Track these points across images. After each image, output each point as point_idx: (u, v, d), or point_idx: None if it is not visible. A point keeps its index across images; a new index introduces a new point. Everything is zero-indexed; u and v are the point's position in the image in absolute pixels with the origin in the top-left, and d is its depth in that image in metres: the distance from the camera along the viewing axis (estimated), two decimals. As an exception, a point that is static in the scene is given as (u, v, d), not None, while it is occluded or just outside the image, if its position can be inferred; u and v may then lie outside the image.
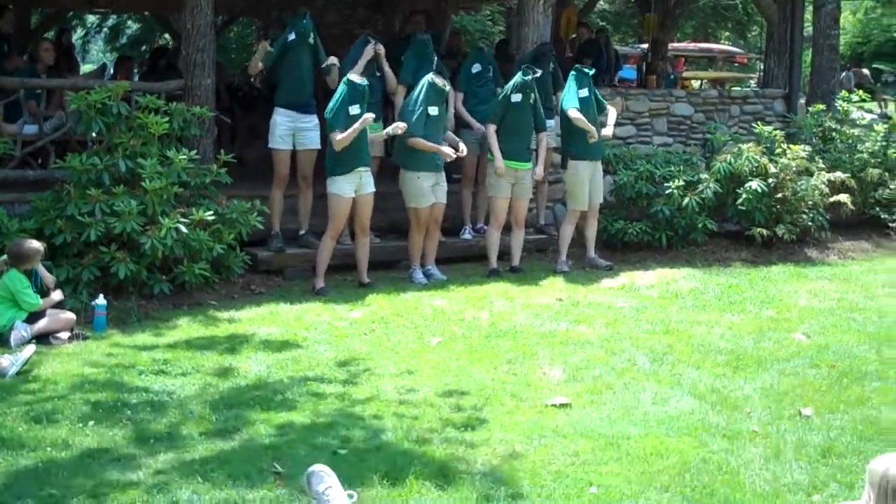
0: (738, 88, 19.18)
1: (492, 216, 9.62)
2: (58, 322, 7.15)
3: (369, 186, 8.77)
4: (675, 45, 21.36)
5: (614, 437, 5.34)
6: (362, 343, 7.17)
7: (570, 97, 9.64)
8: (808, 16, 15.71)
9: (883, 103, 25.04)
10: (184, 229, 7.93)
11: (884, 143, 11.86)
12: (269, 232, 9.16)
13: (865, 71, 31.27)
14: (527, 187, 9.62)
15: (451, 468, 4.88)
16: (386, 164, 9.91)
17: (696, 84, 25.41)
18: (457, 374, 6.48)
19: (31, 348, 6.55)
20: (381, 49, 9.58)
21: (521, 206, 9.62)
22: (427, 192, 9.02)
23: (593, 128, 9.54)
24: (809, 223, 10.57)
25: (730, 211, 10.61)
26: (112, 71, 14.35)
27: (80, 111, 8.49)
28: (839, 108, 12.73)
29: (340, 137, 8.39)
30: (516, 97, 9.39)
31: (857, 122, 12.53)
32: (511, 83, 9.47)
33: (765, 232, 10.28)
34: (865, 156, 11.51)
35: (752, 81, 28.17)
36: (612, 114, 10.08)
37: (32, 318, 7.08)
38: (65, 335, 7.10)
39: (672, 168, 10.57)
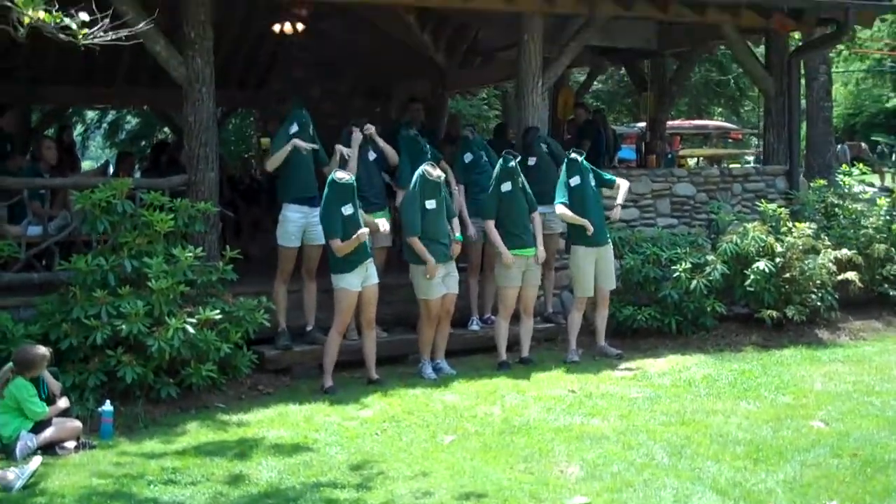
0: (738, 166, 19.27)
1: (501, 306, 9.53)
2: (64, 431, 7.02)
3: (374, 278, 8.71)
4: (670, 122, 21.48)
5: (639, 540, 5.21)
6: (374, 444, 7.04)
7: (560, 190, 9.60)
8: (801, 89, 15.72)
9: (882, 176, 25.15)
10: (191, 330, 7.85)
11: (888, 218, 11.83)
12: (274, 329, 9.08)
13: (864, 145, 31.52)
14: (536, 274, 9.55)
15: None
16: (392, 255, 9.88)
17: (692, 162, 25.54)
18: (472, 474, 6.33)
19: (37, 460, 6.41)
20: (370, 128, 9.55)
21: (530, 294, 9.54)
22: (438, 283, 8.92)
23: (585, 221, 9.46)
24: (818, 303, 10.49)
25: (738, 293, 10.53)
26: (114, 167, 14.37)
27: (84, 210, 8.45)
28: (840, 182, 12.74)
29: (341, 245, 8.35)
30: (506, 186, 9.34)
31: (860, 197, 12.49)
32: (496, 173, 9.42)
33: (774, 314, 10.20)
34: (871, 231, 11.47)
35: (748, 157, 28.38)
36: (622, 188, 9.99)
37: (38, 427, 6.95)
38: (71, 444, 6.96)
39: (678, 250, 10.53)
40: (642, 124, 22.26)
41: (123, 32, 5.85)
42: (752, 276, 10.24)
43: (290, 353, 9.09)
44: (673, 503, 5.80)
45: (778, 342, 10.21)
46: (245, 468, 6.48)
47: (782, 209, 11.21)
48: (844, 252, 10.90)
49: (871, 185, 18.30)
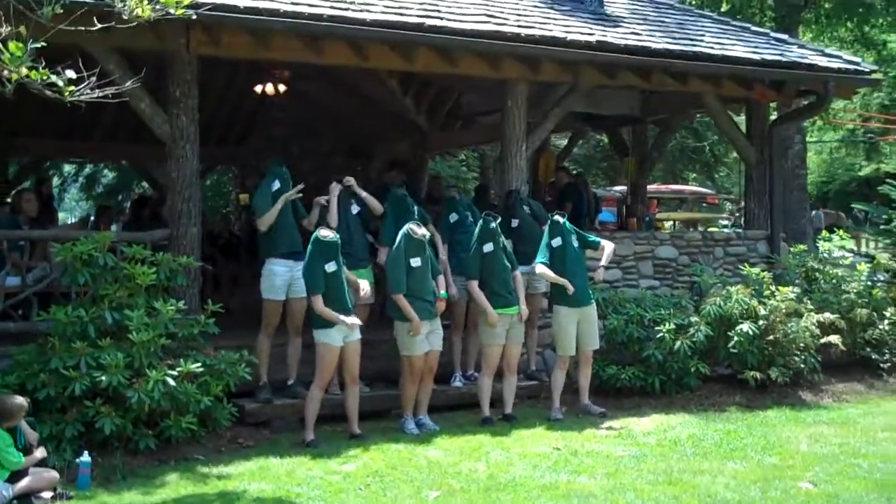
0: (717, 229, 19.41)
1: (484, 363, 9.47)
2: (41, 481, 6.86)
3: (356, 334, 8.62)
4: (648, 187, 21.63)
5: None
6: (358, 499, 6.89)
7: (542, 251, 9.66)
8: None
9: (860, 242, 25.41)
10: (172, 382, 7.72)
11: (869, 283, 11.92)
12: (256, 382, 8.96)
13: (841, 214, 31.90)
14: (520, 332, 9.52)
15: None
16: (375, 311, 9.81)
17: (668, 225, 25.73)
18: (460, 531, 6.23)
19: (13, 510, 6.28)
20: (350, 180, 9.56)
21: (513, 351, 9.50)
22: (421, 339, 8.86)
23: (565, 281, 9.46)
24: (802, 365, 10.50)
25: (721, 354, 10.53)
26: (93, 220, 14.30)
27: (65, 262, 8.35)
28: (820, 247, 12.85)
29: (323, 310, 8.31)
30: (488, 247, 9.33)
31: (840, 262, 12.57)
32: (477, 234, 9.41)
33: (758, 375, 10.18)
34: (852, 296, 11.55)
35: (722, 221, 28.63)
36: (607, 249, 10.00)
37: (14, 477, 6.79)
38: (48, 495, 6.80)
39: (662, 311, 10.52)
40: (619, 188, 22.48)
41: (110, 90, 5.85)
42: (735, 338, 10.24)
43: (270, 406, 8.97)
44: (664, 562, 5.71)
45: (761, 403, 10.17)
46: (227, 522, 6.34)
47: (765, 273, 11.26)
48: (827, 316, 10.95)
49: (852, 251, 18.45)
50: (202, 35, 9.11)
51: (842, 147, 38.41)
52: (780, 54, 12.09)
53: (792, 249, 12.65)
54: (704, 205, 32.46)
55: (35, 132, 15.65)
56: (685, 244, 12.27)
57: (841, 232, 14.70)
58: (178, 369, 7.87)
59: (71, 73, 5.55)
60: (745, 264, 11.66)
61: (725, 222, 28.48)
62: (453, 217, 10.31)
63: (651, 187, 24.45)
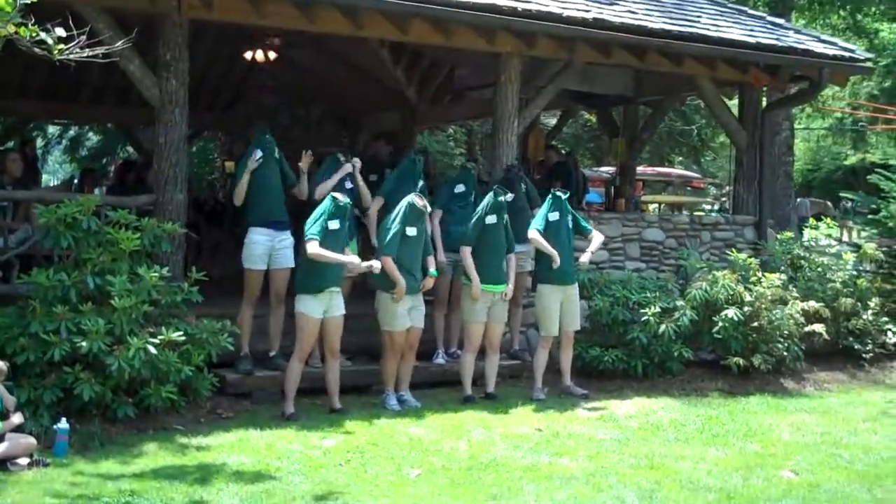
0: (703, 213, 19.37)
1: (466, 341, 9.42)
2: (17, 447, 6.76)
3: (339, 309, 8.56)
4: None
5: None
6: (338, 474, 6.84)
7: (538, 219, 9.62)
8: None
9: (848, 231, 25.45)
10: (153, 350, 7.63)
11: (854, 273, 11.91)
12: (237, 353, 8.88)
13: (829, 203, 31.90)
14: (502, 311, 9.48)
15: None
16: (357, 285, 9.72)
17: (652, 207, 25.72)
18: (440, 510, 6.19)
19: (-12, 476, 6.19)
20: (357, 163, 9.52)
21: (495, 330, 9.46)
22: (402, 314, 8.81)
23: (554, 252, 9.43)
24: (785, 353, 10.49)
25: (705, 339, 10.51)
26: (77, 183, 14.14)
27: (48, 225, 8.23)
28: (807, 235, 12.82)
29: (317, 251, 8.20)
30: (491, 219, 9.30)
31: (826, 251, 12.55)
32: (484, 204, 9.38)
33: (741, 361, 10.16)
34: (838, 285, 11.51)
35: (705, 206, 28.62)
36: (596, 240, 9.98)
37: (-10, 442, 6.72)
38: (24, 461, 6.70)
39: (647, 294, 10.48)
40: (606, 168, 22.40)
41: (100, 50, 5.75)
42: (720, 324, 10.21)
43: (251, 377, 8.90)
44: (645, 547, 5.68)
45: (744, 389, 10.16)
46: (205, 494, 6.27)
47: (752, 259, 11.22)
48: (812, 304, 10.93)
49: (839, 239, 18.47)
50: (194, -3, 8.97)
51: (829, 135, 38.42)
52: (777, 39, 12.01)
53: (779, 236, 12.62)
54: (689, 188, 32.47)
55: (20, 93, 15.43)
56: (672, 227, 12.23)
57: (828, 220, 14.70)
58: (160, 337, 7.78)
59: (60, 32, 5.45)
60: (733, 249, 11.62)
61: (707, 207, 28.47)
62: (460, 188, 10.24)
63: (637, 169, 24.44)
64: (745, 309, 10.30)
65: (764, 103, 13.40)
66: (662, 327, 10.06)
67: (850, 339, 11.45)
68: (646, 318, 10.14)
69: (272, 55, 14.13)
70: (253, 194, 9.06)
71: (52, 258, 8.51)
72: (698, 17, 11.92)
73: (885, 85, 30.79)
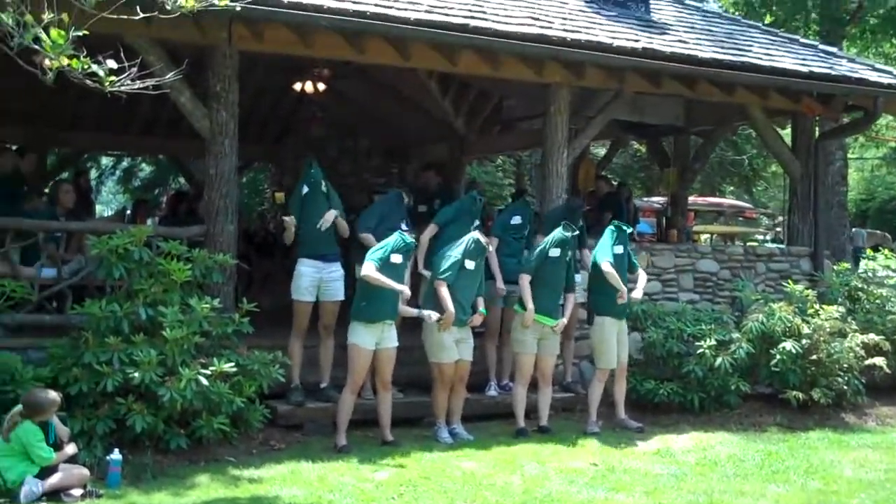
0: (756, 243, 19.15)
1: (517, 373, 9.31)
2: (71, 478, 6.76)
3: (392, 341, 8.50)
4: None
5: None
6: (391, 508, 6.76)
7: (605, 250, 9.47)
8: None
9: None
10: (204, 381, 7.61)
11: (916, 305, 11.65)
12: (287, 384, 8.84)
13: (887, 235, 31.42)
14: (553, 343, 9.36)
15: None
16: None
17: (704, 237, 25.49)
18: (495, 546, 6.06)
19: (41, 507, 6.17)
20: (332, 215, 9.07)
21: (548, 362, 9.34)
22: (450, 346, 8.72)
23: (624, 287, 9.34)
24: (845, 387, 10.26)
25: (762, 372, 10.31)
26: (130, 213, 14.24)
27: (101, 256, 8.26)
28: (864, 266, 12.58)
29: (372, 273, 8.17)
30: (554, 252, 9.22)
31: (884, 282, 12.29)
32: (551, 237, 9.30)
33: (800, 395, 9.95)
34: (898, 317, 11.26)
35: (757, 236, 28.30)
36: (642, 277, 9.86)
37: (44, 472, 6.70)
38: (77, 492, 6.69)
39: (703, 326, 10.30)
40: (657, 199, 22.22)
41: (150, 82, 5.76)
42: (778, 356, 10.02)
43: (303, 409, 8.85)
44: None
45: (803, 424, 9.94)
46: (257, 527, 6.21)
47: (809, 291, 11.02)
48: (871, 337, 10.68)
49: (896, 271, 18.13)
50: (244, 29, 9.02)
51: (883, 165, 37.88)
52: (830, 67, 11.86)
53: (835, 267, 12.39)
54: (741, 219, 32.14)
55: (73, 124, 15.62)
56: (727, 258, 12.08)
57: (885, 251, 14.44)
58: (211, 368, 7.76)
59: (112, 64, 5.46)
60: (789, 281, 11.44)
61: (760, 237, 28.15)
62: (516, 219, 10.21)
63: (688, 199, 24.25)
64: (804, 341, 10.10)
65: (817, 133, 13.21)
66: (718, 360, 9.88)
67: (913, 373, 11.16)
68: (701, 350, 9.96)
69: (321, 87, 14.17)
70: (301, 227, 9.05)
71: (105, 289, 8.53)
72: (749, 46, 11.81)
73: (940, 114, 30.29)
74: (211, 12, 6.20)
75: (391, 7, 9.33)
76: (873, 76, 12.02)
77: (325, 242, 9.07)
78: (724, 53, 11.19)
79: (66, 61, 5.27)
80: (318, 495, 6.92)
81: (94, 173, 25.06)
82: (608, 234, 9.61)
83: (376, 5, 9.23)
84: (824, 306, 10.65)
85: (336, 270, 9.10)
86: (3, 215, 8.94)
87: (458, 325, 8.74)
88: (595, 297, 9.61)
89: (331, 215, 8.97)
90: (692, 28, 12.09)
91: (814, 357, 10.11)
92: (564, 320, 9.40)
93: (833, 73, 11.73)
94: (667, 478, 7.76)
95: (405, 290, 8.50)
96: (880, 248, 18.60)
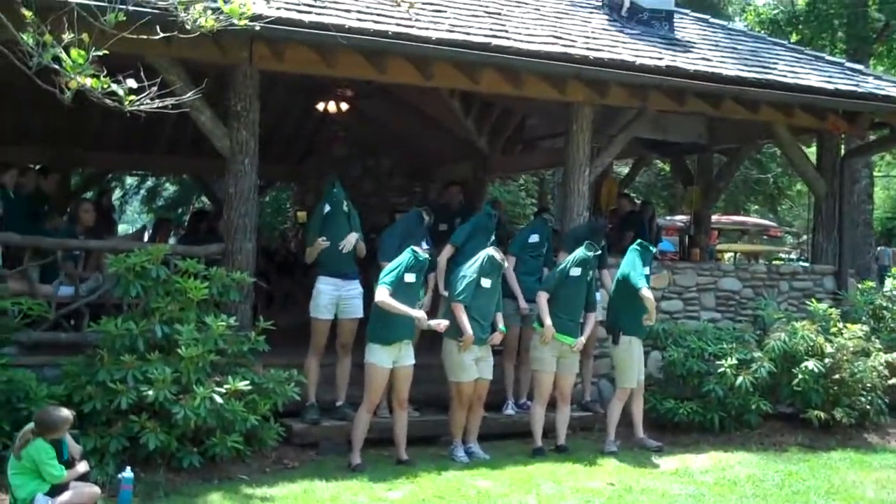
0: (781, 262, 19.00)
1: (536, 392, 9.25)
2: (82, 496, 6.70)
3: (409, 359, 8.45)
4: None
5: None
6: (404, 528, 6.70)
7: (640, 274, 9.36)
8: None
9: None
10: (219, 399, 7.58)
11: (942, 326, 11.50)
12: (303, 402, 8.81)
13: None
14: (572, 362, 9.29)
15: None
16: (425, 333, 9.60)
17: (728, 256, 25.34)
18: (508, 567, 5.99)
19: (52, 525, 6.14)
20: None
21: (566, 381, 9.26)
22: (470, 365, 8.66)
23: (655, 313, 9.32)
24: (868, 406, 10.13)
25: (784, 392, 10.19)
26: (150, 233, 14.29)
27: (118, 274, 8.27)
28: (890, 285, 12.45)
29: (385, 299, 8.12)
30: (575, 271, 9.17)
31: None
32: (573, 256, 9.25)
33: (822, 415, 9.83)
34: (923, 336, 11.12)
35: (781, 255, 28.10)
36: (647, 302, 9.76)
37: (55, 490, 6.63)
38: (88, 510, 6.68)
39: (724, 345, 10.20)
40: (680, 217, 22.10)
41: (170, 101, 5.77)
42: (800, 376, 9.91)
43: (318, 427, 8.81)
44: None
45: (825, 444, 9.81)
46: (268, 546, 6.16)
47: (833, 310, 10.90)
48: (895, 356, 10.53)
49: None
50: (265, 49, 9.03)
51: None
52: (856, 84, 11.75)
53: (860, 286, 12.26)
54: (766, 237, 31.94)
55: (97, 144, 15.72)
56: (749, 277, 11.96)
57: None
58: (226, 386, 7.74)
59: (132, 83, 5.48)
60: (812, 299, 11.33)
61: (784, 256, 27.95)
62: (534, 238, 10.18)
63: (712, 217, 24.11)
64: (826, 361, 9.99)
65: (842, 151, 13.09)
66: (739, 379, 9.77)
67: (937, 393, 11.00)
68: (722, 369, 9.85)
69: (344, 106, 14.20)
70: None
71: (122, 307, 8.54)
72: (774, 63, 11.72)
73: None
74: (231, 32, 6.22)
75: (412, 26, 9.33)
76: (900, 93, 11.89)
77: (344, 261, 9.06)
78: (749, 71, 11.11)
79: (86, 81, 5.29)
80: (330, 514, 6.88)
81: (118, 193, 25.22)
82: (635, 255, 9.51)
83: (398, 24, 9.23)
84: (848, 325, 10.54)
85: (355, 288, 9.07)
86: (23, 234, 8.98)
87: (477, 343, 8.69)
88: (622, 315, 9.50)
89: (353, 237, 8.97)
90: (716, 46, 12.02)
91: (836, 376, 10.00)
92: (583, 339, 9.33)
93: (859, 90, 11.63)
94: (684, 498, 7.67)
95: (422, 315, 8.44)
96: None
